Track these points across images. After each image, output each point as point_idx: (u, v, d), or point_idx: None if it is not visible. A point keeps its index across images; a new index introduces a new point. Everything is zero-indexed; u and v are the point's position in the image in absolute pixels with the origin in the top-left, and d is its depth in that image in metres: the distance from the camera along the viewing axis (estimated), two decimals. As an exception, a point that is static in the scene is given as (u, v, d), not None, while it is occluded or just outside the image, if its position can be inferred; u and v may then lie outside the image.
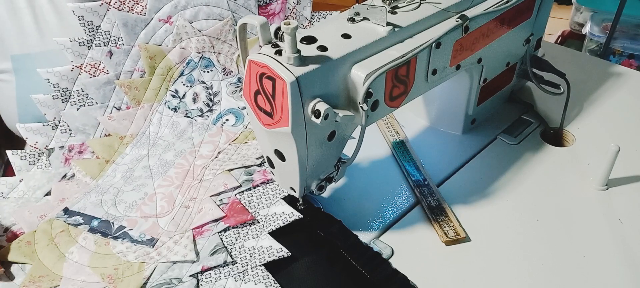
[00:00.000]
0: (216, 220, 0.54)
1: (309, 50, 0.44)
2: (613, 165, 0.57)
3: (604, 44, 1.62)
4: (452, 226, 0.54)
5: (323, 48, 0.44)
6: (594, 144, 0.66)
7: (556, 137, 0.69)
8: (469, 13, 0.54)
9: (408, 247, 0.52)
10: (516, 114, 0.72)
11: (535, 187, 0.59)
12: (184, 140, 0.67)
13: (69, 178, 0.62)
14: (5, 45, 0.62)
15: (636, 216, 0.55)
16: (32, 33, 0.63)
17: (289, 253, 0.50)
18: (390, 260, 0.51)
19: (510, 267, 0.50)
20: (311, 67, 0.42)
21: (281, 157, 0.49)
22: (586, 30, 1.73)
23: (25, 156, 0.62)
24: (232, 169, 0.61)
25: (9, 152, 0.62)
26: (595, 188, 0.58)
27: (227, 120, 0.70)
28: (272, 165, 0.53)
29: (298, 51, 0.41)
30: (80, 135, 0.65)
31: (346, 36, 0.46)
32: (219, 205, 0.56)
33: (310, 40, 0.45)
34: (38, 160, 0.63)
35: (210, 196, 0.57)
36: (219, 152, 0.65)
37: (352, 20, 0.48)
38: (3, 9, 0.62)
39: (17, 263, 0.52)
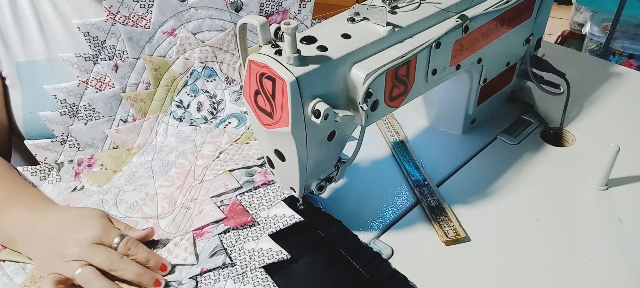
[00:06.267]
0: (216, 222, 0.54)
1: (308, 50, 0.44)
2: (613, 165, 0.57)
3: (604, 44, 1.62)
4: (452, 226, 0.54)
5: (323, 48, 0.44)
6: (594, 144, 0.66)
7: (556, 137, 0.69)
8: (469, 13, 0.54)
9: (408, 247, 0.52)
10: (516, 114, 0.72)
11: (535, 187, 0.59)
12: (187, 142, 0.67)
13: (78, 190, 0.63)
14: (11, 51, 0.62)
15: (636, 216, 0.55)
16: (37, 41, 0.63)
17: (289, 256, 0.50)
18: (390, 260, 0.51)
19: (510, 267, 0.50)
20: (311, 67, 0.42)
21: (281, 157, 0.49)
22: (586, 30, 1.73)
23: (36, 172, 0.63)
24: (234, 170, 0.61)
25: (20, 168, 0.62)
26: (595, 188, 0.58)
27: (229, 122, 0.70)
28: (272, 165, 0.53)
29: (298, 51, 0.41)
30: (89, 149, 0.66)
31: (346, 36, 0.46)
32: (219, 207, 0.56)
33: (310, 40, 0.45)
34: (48, 175, 0.63)
35: (211, 197, 0.57)
36: (220, 152, 0.65)
37: (352, 20, 0.48)
38: (8, 15, 0.62)
39: (17, 262, 0.52)
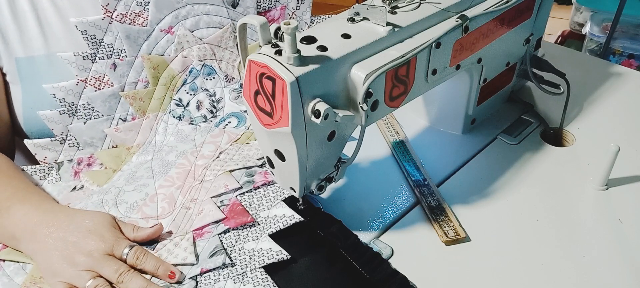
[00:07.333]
0: (216, 222, 0.54)
1: (308, 50, 0.44)
2: (613, 165, 0.57)
3: (604, 44, 1.62)
4: (452, 226, 0.54)
5: (323, 48, 0.44)
6: (594, 144, 0.66)
7: (556, 137, 0.69)
8: (469, 13, 0.54)
9: (408, 247, 0.52)
10: (516, 114, 0.72)
11: (535, 187, 0.59)
12: (187, 142, 0.67)
13: (78, 190, 0.63)
14: (10, 47, 0.62)
15: (636, 216, 0.55)
16: (35, 36, 0.63)
17: (289, 256, 0.50)
18: (390, 260, 0.51)
19: (510, 267, 0.50)
20: (311, 67, 0.42)
21: (281, 157, 0.49)
22: (586, 30, 1.73)
23: (36, 171, 0.63)
24: (234, 170, 0.61)
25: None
26: (595, 188, 0.58)
27: (229, 122, 0.70)
28: (272, 165, 0.53)
29: (298, 51, 0.41)
30: (89, 148, 0.65)
31: (346, 36, 0.46)
32: (219, 207, 0.56)
33: (310, 40, 0.45)
34: (48, 174, 0.63)
35: (211, 197, 0.57)
36: (220, 152, 0.65)
37: (352, 20, 0.48)
38: (7, 11, 0.62)
39: (17, 262, 0.52)
